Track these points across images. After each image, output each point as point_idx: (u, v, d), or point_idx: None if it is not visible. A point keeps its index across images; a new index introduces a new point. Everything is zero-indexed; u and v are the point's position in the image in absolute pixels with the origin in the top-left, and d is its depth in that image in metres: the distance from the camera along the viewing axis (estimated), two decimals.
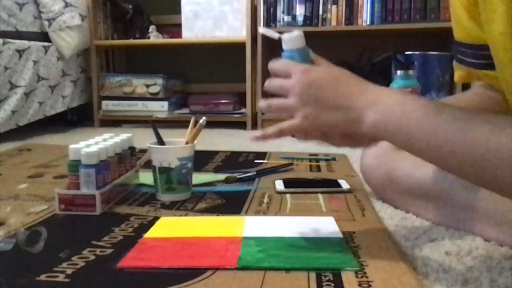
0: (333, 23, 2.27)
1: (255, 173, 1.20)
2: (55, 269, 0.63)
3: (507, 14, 0.66)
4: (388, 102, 0.61)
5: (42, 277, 0.61)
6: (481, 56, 0.83)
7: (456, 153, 0.55)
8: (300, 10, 2.29)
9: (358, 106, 0.62)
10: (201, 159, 1.39)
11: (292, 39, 0.69)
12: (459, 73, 0.91)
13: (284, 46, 0.70)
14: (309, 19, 2.29)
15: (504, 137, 0.52)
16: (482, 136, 0.54)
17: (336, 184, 1.07)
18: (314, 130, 0.66)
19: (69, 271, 0.63)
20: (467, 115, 0.57)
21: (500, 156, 0.52)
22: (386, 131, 0.61)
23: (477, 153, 0.54)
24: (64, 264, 0.65)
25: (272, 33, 0.73)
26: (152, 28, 2.50)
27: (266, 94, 0.67)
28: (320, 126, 0.65)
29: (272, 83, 0.69)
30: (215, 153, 1.56)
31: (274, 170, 1.25)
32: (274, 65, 0.70)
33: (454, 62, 0.91)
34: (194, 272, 0.62)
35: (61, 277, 0.61)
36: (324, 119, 0.63)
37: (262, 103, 0.69)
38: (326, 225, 0.80)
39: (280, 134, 0.67)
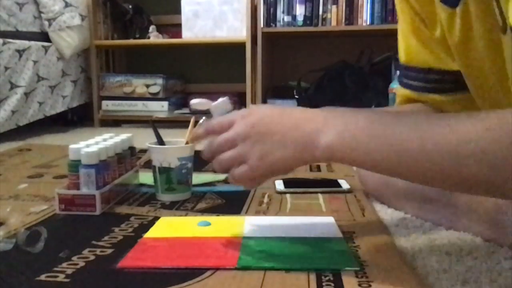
0: (333, 23, 2.27)
1: None
2: (55, 269, 0.63)
3: (487, 39, 0.66)
4: (338, 121, 0.58)
5: (42, 277, 0.61)
6: (428, 79, 0.83)
7: (424, 155, 0.51)
8: (300, 10, 2.29)
9: (307, 134, 0.58)
10: (201, 159, 1.38)
11: (220, 105, 0.70)
12: (401, 98, 0.91)
13: (214, 114, 0.70)
14: (309, 19, 2.29)
15: (470, 125, 0.50)
16: (452, 130, 0.50)
17: (336, 184, 1.07)
18: (266, 170, 0.62)
19: (69, 271, 0.63)
20: (423, 115, 0.55)
21: (468, 143, 0.48)
22: (341, 150, 0.56)
23: (447, 147, 0.49)
24: (64, 264, 0.65)
25: (202, 104, 0.73)
26: (152, 28, 2.50)
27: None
28: (274, 165, 0.61)
29: (214, 142, 0.65)
30: None
31: None
32: (212, 122, 0.67)
33: (398, 87, 0.91)
34: (194, 272, 0.62)
35: (61, 277, 0.61)
36: (278, 156, 0.60)
37: (214, 164, 0.66)
38: (326, 225, 0.80)
39: (234, 181, 0.64)
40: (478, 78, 0.72)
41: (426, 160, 0.51)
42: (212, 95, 2.43)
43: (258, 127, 0.61)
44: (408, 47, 0.85)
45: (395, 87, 0.91)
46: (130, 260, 0.66)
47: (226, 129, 0.64)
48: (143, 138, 1.07)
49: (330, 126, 0.58)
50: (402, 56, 0.87)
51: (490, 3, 0.57)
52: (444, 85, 0.82)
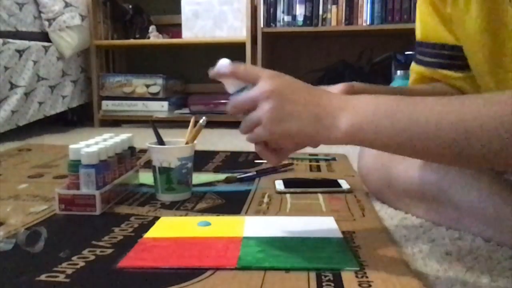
0: (333, 23, 2.27)
1: (255, 173, 1.20)
2: (55, 269, 0.63)
3: (481, 13, 0.67)
4: (359, 103, 0.58)
5: (42, 277, 0.61)
6: (441, 55, 0.85)
7: (441, 134, 0.53)
8: (300, 10, 2.29)
9: (329, 112, 0.58)
10: (201, 159, 1.39)
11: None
12: (414, 75, 0.92)
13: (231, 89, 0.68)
14: (309, 19, 2.29)
15: (482, 101, 0.52)
16: (466, 110, 0.52)
17: (336, 184, 1.07)
18: (279, 136, 0.61)
19: (69, 271, 0.63)
20: (441, 98, 0.56)
21: (489, 123, 0.50)
22: (361, 131, 0.57)
23: (464, 127, 0.51)
24: (64, 264, 0.65)
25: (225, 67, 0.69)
26: (152, 28, 2.50)
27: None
28: (287, 133, 0.60)
29: (238, 99, 0.64)
30: (215, 153, 1.56)
31: (274, 170, 1.25)
32: (240, 67, 0.65)
33: (412, 65, 0.92)
34: (194, 272, 0.62)
35: (61, 277, 0.61)
36: (294, 126, 0.59)
37: (241, 124, 0.64)
38: (326, 225, 0.80)
39: (251, 140, 0.64)
40: (472, 61, 0.72)
41: (444, 138, 0.52)
42: (215, 94, 2.43)
43: (282, 90, 0.60)
44: (424, 23, 0.86)
45: (411, 67, 0.92)
46: (130, 260, 0.66)
47: (250, 80, 0.63)
48: (143, 138, 1.07)
49: (350, 107, 0.58)
50: (418, 33, 0.88)
51: None
52: (457, 62, 0.84)
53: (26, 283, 0.60)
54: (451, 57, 0.84)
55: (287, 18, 2.31)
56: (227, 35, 2.38)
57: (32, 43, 2.10)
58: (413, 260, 0.66)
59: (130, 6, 2.56)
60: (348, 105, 0.58)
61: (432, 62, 0.87)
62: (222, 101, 2.40)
